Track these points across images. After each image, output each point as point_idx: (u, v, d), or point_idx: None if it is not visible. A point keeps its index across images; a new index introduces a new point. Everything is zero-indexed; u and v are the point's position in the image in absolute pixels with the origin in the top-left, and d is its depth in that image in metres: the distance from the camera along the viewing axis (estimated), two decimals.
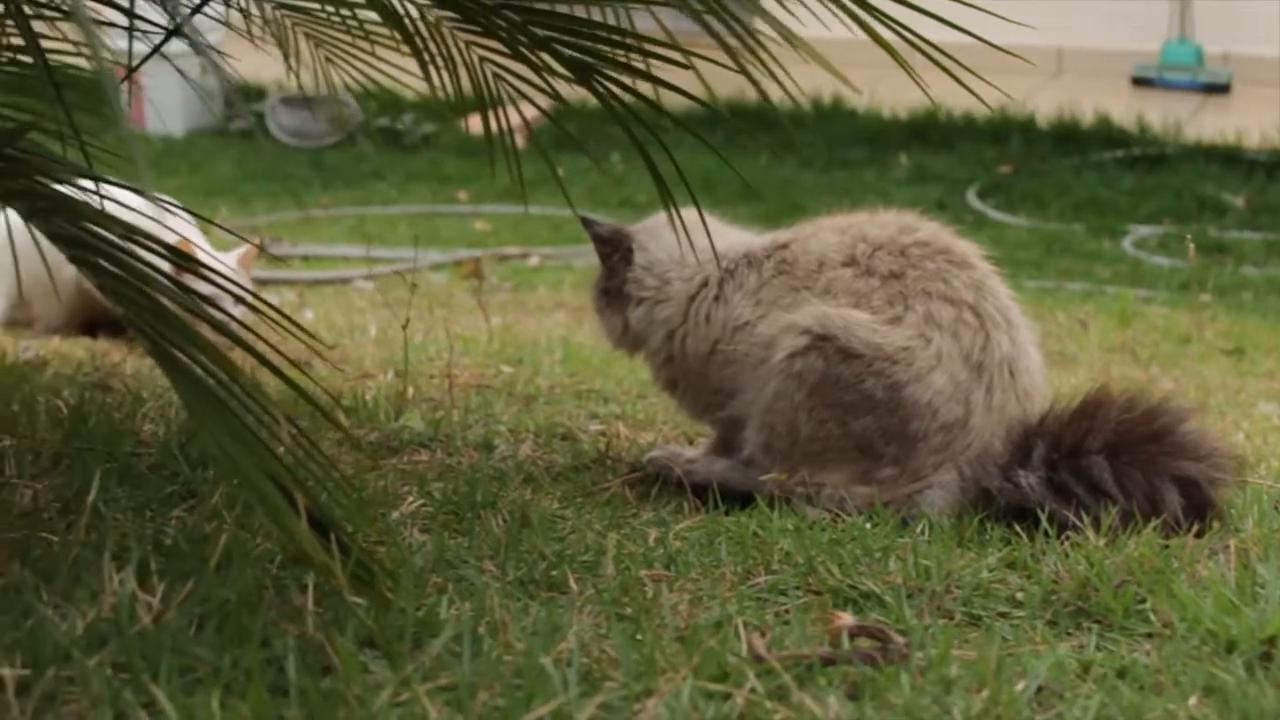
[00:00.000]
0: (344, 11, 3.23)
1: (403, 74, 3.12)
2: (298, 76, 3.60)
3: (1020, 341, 2.85)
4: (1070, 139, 9.88)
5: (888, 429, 2.78)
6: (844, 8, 2.36)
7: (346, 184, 9.47)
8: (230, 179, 9.38)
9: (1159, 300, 6.73)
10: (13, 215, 3.34)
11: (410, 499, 2.70)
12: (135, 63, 3.01)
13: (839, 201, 6.42)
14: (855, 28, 2.35)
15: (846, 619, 2.07)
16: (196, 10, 2.95)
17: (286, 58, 3.61)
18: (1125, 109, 10.17)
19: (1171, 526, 2.59)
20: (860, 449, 2.80)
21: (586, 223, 3.17)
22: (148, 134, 10.57)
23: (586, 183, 8.85)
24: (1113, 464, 2.64)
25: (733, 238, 3.10)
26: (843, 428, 2.80)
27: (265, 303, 2.18)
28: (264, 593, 2.00)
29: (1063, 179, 9.29)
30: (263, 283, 6.38)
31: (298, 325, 2.17)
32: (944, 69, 2.29)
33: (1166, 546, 2.47)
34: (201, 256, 4.06)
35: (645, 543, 2.54)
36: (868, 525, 2.65)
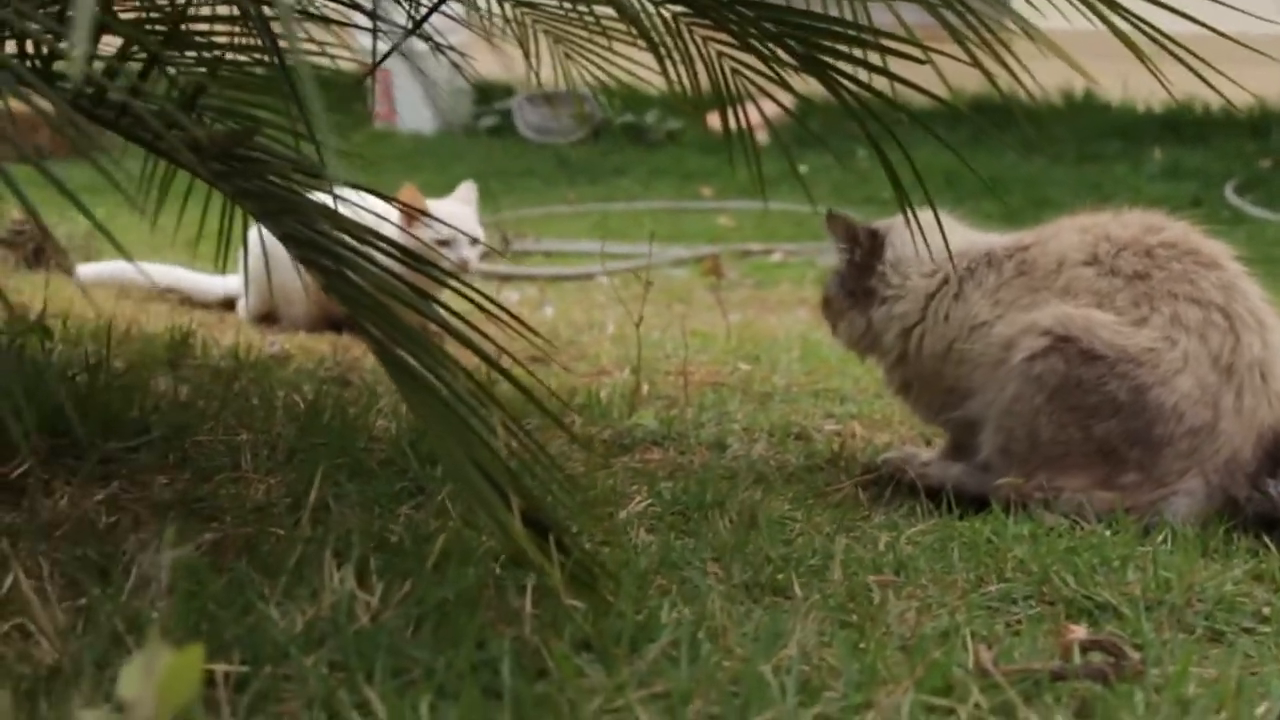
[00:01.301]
0: (581, 7, 3.23)
1: (644, 70, 3.11)
2: (537, 74, 3.63)
3: (1273, 344, 2.73)
4: None
5: (1131, 433, 2.68)
6: (1088, 4, 2.29)
7: (591, 180, 9.52)
8: (477, 175, 9.45)
9: None
10: None
11: (638, 499, 2.67)
12: (378, 62, 3.04)
13: (1088, 197, 6.29)
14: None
15: (1079, 632, 1.99)
16: (433, 9, 2.96)
17: (526, 55, 3.64)
18: None
19: None
20: (1102, 453, 2.71)
21: (835, 218, 3.11)
22: (399, 131, 10.77)
23: (830, 179, 8.77)
24: None
25: (974, 237, 3.03)
26: (1084, 431, 2.71)
27: (492, 300, 2.17)
28: (484, 593, 1.98)
29: None
30: (506, 278, 6.44)
31: (523, 324, 2.16)
32: (1183, 63, 2.21)
33: None
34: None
35: (875, 547, 2.48)
36: (1107, 533, 2.56)
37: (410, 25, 3.03)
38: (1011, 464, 2.79)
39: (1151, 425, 2.67)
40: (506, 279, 6.42)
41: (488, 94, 10.82)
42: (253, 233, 3.51)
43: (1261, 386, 2.69)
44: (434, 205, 4.62)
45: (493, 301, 2.20)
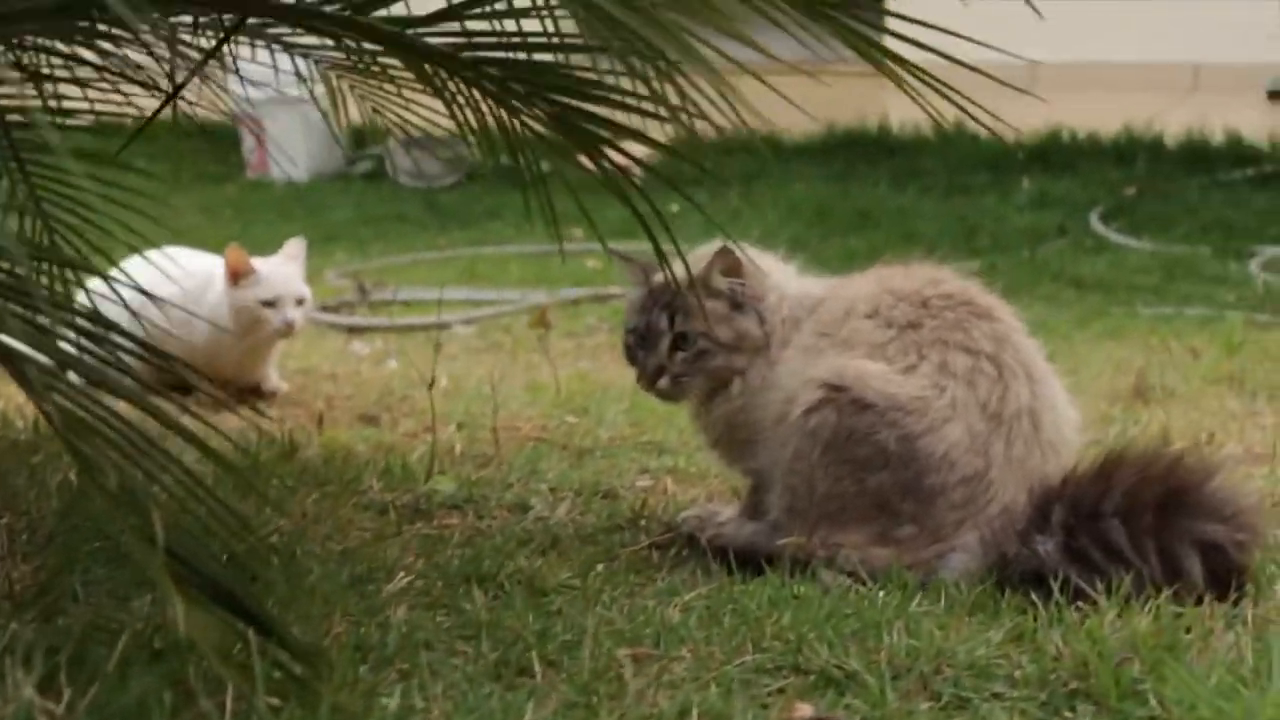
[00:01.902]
0: (367, 59, 3.19)
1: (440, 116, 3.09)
2: (328, 120, 3.65)
3: (1043, 395, 2.70)
4: (1199, 158, 9.54)
5: (904, 483, 2.64)
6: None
7: (462, 225, 9.42)
8: (349, 223, 9.37)
9: None
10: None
11: (403, 575, 2.59)
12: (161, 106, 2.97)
13: (955, 230, 6.23)
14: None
15: (805, 710, 1.93)
16: (204, 62, 2.88)
17: (335, 105, 3.66)
18: (1259, 125, 9.82)
19: (1198, 594, 2.42)
20: (878, 506, 2.66)
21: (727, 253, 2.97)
22: (273, 181, 10.65)
23: (698, 218, 8.72)
24: (1129, 527, 2.47)
25: (807, 286, 2.97)
26: (858, 484, 2.66)
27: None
28: (189, 690, 1.90)
29: (1189, 200, 8.96)
30: (357, 330, 6.34)
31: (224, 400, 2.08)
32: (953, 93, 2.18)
33: (1180, 616, 2.30)
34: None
35: (640, 617, 2.41)
36: (881, 594, 2.51)
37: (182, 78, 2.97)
38: (797, 522, 2.74)
39: (922, 475, 2.62)
40: (355, 331, 6.33)
41: (361, 139, 10.71)
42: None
43: (1033, 434, 2.66)
44: (259, 263, 4.53)
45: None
